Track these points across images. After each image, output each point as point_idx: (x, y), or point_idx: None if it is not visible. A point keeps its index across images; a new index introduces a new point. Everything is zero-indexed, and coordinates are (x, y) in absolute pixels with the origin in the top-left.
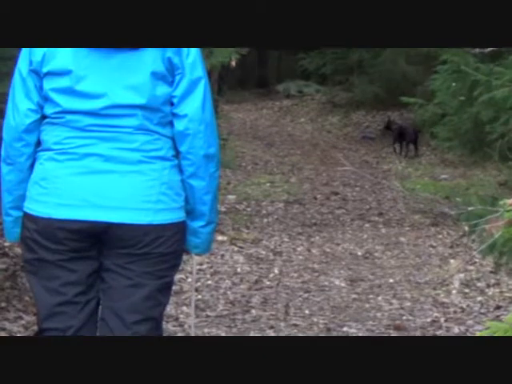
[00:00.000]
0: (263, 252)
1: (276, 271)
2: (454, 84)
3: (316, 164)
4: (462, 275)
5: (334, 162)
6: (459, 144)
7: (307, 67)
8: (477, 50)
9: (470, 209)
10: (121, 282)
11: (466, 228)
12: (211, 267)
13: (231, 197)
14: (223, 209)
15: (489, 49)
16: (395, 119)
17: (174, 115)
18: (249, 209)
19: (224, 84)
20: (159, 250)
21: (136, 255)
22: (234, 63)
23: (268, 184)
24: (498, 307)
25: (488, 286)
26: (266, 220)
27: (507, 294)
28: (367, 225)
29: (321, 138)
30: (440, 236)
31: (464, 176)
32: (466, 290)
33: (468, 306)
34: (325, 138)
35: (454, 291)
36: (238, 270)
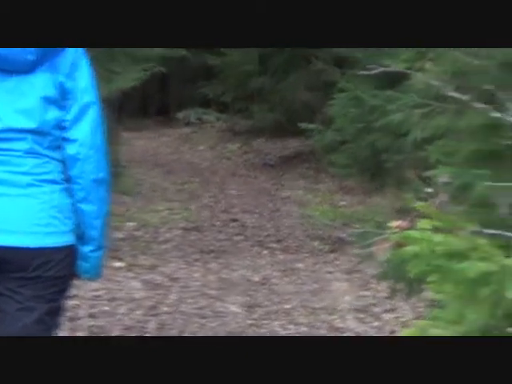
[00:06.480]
0: (160, 278)
1: (172, 297)
2: (352, 110)
3: (215, 191)
4: (352, 300)
5: (234, 188)
6: (357, 171)
7: (208, 94)
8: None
9: (358, 231)
10: (12, 305)
11: (356, 252)
12: (108, 293)
13: (130, 224)
14: (121, 235)
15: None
16: None
17: (65, 139)
18: (147, 235)
19: (123, 111)
20: (49, 273)
21: (27, 279)
22: None
23: (166, 211)
24: (393, 332)
25: (384, 311)
26: (163, 246)
27: (402, 319)
28: (265, 251)
29: (220, 165)
30: (338, 262)
31: (363, 203)
32: (362, 316)
33: (364, 331)
34: (224, 165)
35: (349, 317)
36: (135, 296)
